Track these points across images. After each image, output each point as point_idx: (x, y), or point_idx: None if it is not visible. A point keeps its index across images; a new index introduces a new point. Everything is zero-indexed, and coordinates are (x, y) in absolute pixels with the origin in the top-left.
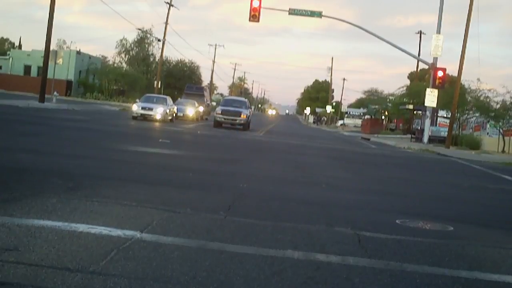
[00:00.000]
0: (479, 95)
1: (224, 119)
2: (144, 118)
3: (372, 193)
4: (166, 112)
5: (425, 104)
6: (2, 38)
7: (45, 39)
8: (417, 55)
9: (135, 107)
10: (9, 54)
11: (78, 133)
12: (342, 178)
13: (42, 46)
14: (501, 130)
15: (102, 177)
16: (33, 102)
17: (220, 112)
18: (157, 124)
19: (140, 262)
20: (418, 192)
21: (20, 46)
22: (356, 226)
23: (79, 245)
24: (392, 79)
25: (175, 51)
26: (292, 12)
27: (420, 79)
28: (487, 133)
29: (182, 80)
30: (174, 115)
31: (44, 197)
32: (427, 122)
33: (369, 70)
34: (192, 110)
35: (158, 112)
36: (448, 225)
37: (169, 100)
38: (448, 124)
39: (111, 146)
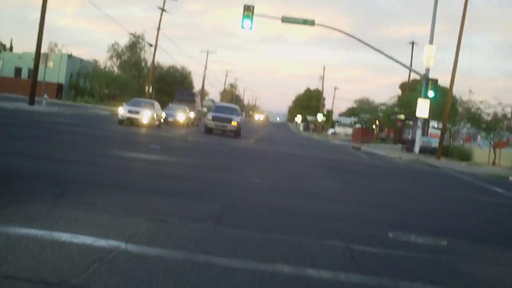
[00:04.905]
0: (470, 106)
1: (215, 125)
2: (131, 122)
3: (363, 204)
4: (153, 117)
5: (417, 115)
6: None
7: (40, 42)
8: (409, 65)
9: (122, 110)
10: None
11: (67, 137)
12: (333, 189)
13: (33, 48)
14: (492, 142)
15: (89, 183)
16: (22, 104)
17: (211, 118)
18: (145, 129)
19: (124, 275)
20: (410, 204)
21: (11, 48)
22: (348, 239)
23: (60, 255)
24: (384, 89)
25: (167, 56)
26: (285, 20)
27: (411, 89)
28: (478, 145)
29: (173, 85)
30: (162, 120)
31: (28, 204)
32: (418, 132)
33: (360, 79)
34: (183, 115)
35: (144, 116)
36: (441, 240)
37: (157, 104)
38: (439, 134)
39: (100, 151)
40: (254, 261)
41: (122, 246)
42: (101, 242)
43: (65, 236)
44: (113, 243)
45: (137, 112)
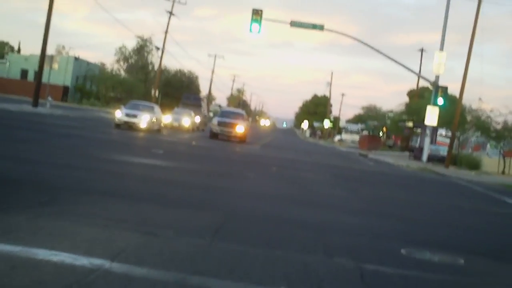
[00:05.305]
0: (480, 114)
1: (221, 130)
2: (128, 126)
3: (372, 215)
4: (152, 121)
5: (426, 123)
6: (2, 42)
7: (45, 44)
8: (418, 72)
9: (119, 114)
10: (6, 58)
11: (67, 140)
12: (341, 197)
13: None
14: (501, 151)
15: (82, 190)
16: (26, 106)
17: (216, 123)
18: (145, 133)
19: None
20: (421, 215)
21: (19, 50)
22: (357, 256)
23: (31, 278)
24: (391, 96)
25: (174, 60)
26: (294, 24)
27: (419, 97)
28: (487, 154)
29: (180, 89)
30: (162, 125)
31: (10, 214)
32: (427, 140)
33: (367, 86)
34: (188, 120)
35: (143, 120)
36: (458, 257)
37: (157, 108)
38: (447, 142)
39: (98, 155)
40: (254, 283)
41: (105, 265)
42: (82, 261)
43: (41, 253)
44: (96, 261)
45: (134, 116)
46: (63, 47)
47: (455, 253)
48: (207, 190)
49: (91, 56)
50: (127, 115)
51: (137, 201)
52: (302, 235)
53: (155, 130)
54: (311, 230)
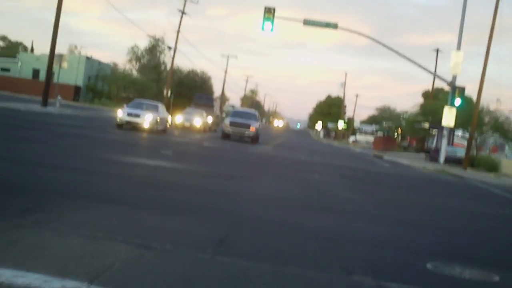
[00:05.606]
0: (498, 115)
1: (232, 131)
2: (132, 126)
3: (391, 222)
4: (156, 121)
5: (443, 124)
6: (16, 41)
7: (54, 42)
8: (434, 72)
9: (121, 113)
10: (18, 58)
11: (71, 140)
12: (356, 201)
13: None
14: None
15: (74, 194)
16: (35, 106)
17: (228, 124)
18: (151, 134)
19: None
20: (443, 222)
21: (32, 50)
22: (378, 273)
23: None
24: (405, 97)
25: (187, 60)
26: (307, 22)
27: (434, 98)
28: (505, 155)
29: (193, 90)
30: (168, 125)
31: None
32: (444, 141)
33: (381, 87)
34: (199, 120)
35: (146, 119)
36: (492, 273)
37: (162, 107)
38: (464, 144)
39: (101, 156)
40: None
41: None
42: (53, 284)
43: (6, 274)
44: (70, 284)
45: (137, 116)
46: (75, 47)
47: (488, 267)
48: (213, 194)
49: (104, 56)
50: (130, 114)
51: (135, 208)
52: (315, 247)
53: (160, 131)
54: (325, 240)
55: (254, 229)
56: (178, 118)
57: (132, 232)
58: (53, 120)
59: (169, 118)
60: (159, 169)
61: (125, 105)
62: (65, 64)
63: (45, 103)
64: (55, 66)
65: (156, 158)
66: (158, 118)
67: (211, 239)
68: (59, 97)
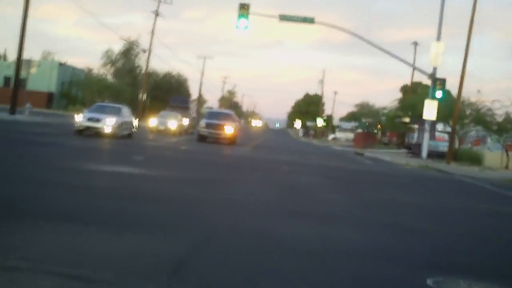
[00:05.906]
0: (479, 107)
1: (209, 133)
2: (94, 132)
3: (380, 227)
4: (120, 125)
5: (424, 117)
6: None
7: (29, 49)
8: (413, 65)
9: (79, 118)
10: None
11: (33, 148)
12: (340, 204)
13: (28, 57)
14: (504, 145)
15: (9, 212)
16: (2, 114)
17: (204, 125)
18: (117, 139)
19: None
20: (436, 225)
21: (4, 57)
22: None
23: None
24: (383, 93)
25: (163, 63)
26: (283, 18)
27: (413, 92)
28: (488, 148)
29: (169, 92)
30: (134, 129)
31: None
32: (426, 136)
33: (360, 84)
34: (174, 123)
35: (107, 124)
36: None
37: (126, 110)
38: (444, 138)
39: (66, 165)
40: None
41: None
42: None
43: None
44: None
45: (97, 120)
46: (49, 53)
47: (496, 281)
48: (183, 203)
49: (80, 61)
50: (89, 119)
51: (87, 225)
52: (296, 266)
53: (124, 135)
54: (308, 255)
55: (223, 246)
56: (152, 122)
57: (71, 259)
58: (18, 128)
59: (135, 121)
60: (126, 176)
61: (85, 110)
62: (33, 70)
63: (12, 111)
64: (23, 73)
65: (125, 165)
66: (121, 122)
67: (168, 263)
68: (28, 105)
